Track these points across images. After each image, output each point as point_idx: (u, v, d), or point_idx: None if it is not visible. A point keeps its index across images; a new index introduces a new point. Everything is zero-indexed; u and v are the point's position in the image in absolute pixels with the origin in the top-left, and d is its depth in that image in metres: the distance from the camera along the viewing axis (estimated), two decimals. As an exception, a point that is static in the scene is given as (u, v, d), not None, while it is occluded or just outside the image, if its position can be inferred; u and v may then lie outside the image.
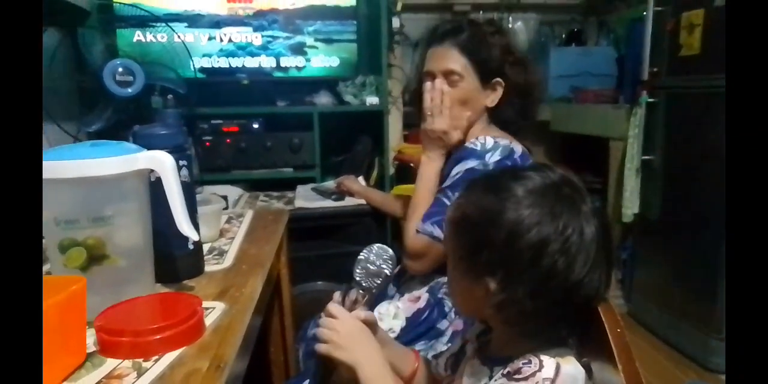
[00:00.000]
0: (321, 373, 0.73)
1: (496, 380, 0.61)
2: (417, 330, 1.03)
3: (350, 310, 0.71)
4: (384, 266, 0.72)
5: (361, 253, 0.73)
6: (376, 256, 0.72)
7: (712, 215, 1.71)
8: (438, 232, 1.01)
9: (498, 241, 0.58)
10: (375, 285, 0.72)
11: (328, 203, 1.67)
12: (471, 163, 1.02)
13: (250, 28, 1.98)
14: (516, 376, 0.60)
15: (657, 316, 2.00)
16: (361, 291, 0.72)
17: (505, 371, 0.61)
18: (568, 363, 0.60)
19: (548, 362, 0.59)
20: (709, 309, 1.73)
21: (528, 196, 0.59)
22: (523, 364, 0.60)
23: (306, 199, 1.70)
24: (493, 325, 0.67)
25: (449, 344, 0.96)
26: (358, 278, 0.72)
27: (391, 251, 0.73)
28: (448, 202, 1.03)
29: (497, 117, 1.12)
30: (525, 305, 0.58)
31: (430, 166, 1.09)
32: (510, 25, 2.83)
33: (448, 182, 1.05)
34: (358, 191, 1.66)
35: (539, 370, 0.59)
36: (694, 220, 1.83)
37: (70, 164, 0.63)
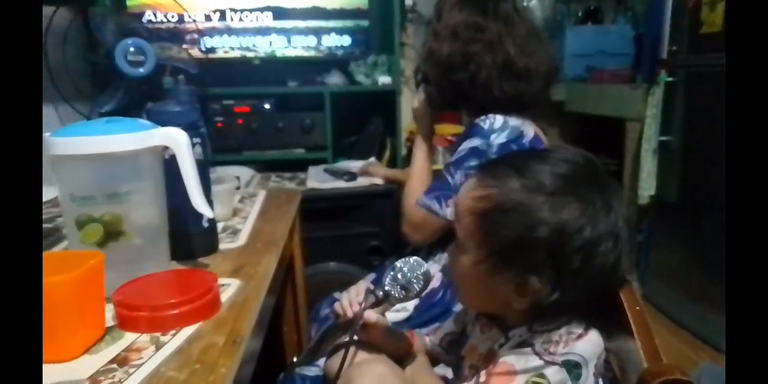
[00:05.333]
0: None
1: (520, 336, 0.60)
2: (431, 312, 1.03)
3: (367, 307, 0.71)
4: (414, 282, 0.72)
5: (398, 261, 0.73)
6: (410, 270, 0.72)
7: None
8: (436, 207, 1.03)
9: (543, 242, 0.55)
10: (399, 295, 0.72)
11: (340, 184, 1.67)
12: (476, 142, 1.02)
13: (260, 7, 1.96)
14: (540, 329, 0.59)
15: (672, 298, 1.99)
16: (381, 293, 0.72)
17: (528, 327, 0.60)
18: (595, 331, 0.59)
19: (577, 322, 0.59)
20: (724, 292, 1.71)
21: (561, 186, 0.56)
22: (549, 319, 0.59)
23: (318, 179, 1.70)
24: (509, 314, 0.64)
25: None
26: (385, 282, 0.72)
27: (425, 267, 0.72)
28: (450, 179, 1.03)
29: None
30: (567, 300, 0.57)
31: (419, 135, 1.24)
32: (525, 3, 2.77)
33: (453, 158, 1.05)
34: (385, 175, 1.67)
35: (568, 323, 0.58)
36: (712, 202, 1.79)
37: (85, 140, 0.63)
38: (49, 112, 1.45)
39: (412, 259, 0.73)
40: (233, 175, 1.52)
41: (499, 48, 1.04)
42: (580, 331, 0.58)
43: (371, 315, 0.71)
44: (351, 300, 0.74)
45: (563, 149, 0.62)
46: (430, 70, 1.11)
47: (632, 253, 2.20)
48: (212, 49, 1.92)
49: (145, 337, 0.56)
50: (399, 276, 0.72)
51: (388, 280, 0.72)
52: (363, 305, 0.71)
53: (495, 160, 0.66)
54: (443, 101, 1.14)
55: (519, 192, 0.57)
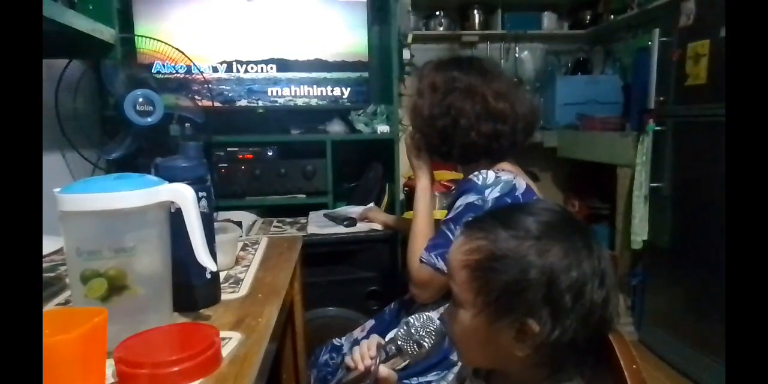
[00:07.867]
0: None
1: None
2: (428, 359, 1.03)
3: (380, 362, 0.72)
4: (426, 338, 0.72)
5: (411, 317, 0.74)
6: (422, 326, 0.73)
7: (722, 242, 1.70)
8: (441, 264, 1.03)
9: (536, 284, 0.58)
10: (411, 350, 0.72)
11: (340, 229, 1.69)
12: (471, 198, 1.05)
13: (265, 60, 2.05)
14: None
15: (668, 343, 1.97)
16: (394, 348, 0.72)
17: None
18: None
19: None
20: (721, 336, 1.71)
21: (545, 231, 0.60)
22: None
23: (318, 225, 1.72)
24: (510, 367, 0.65)
25: None
26: (398, 336, 0.73)
27: (437, 324, 0.73)
28: (451, 235, 1.05)
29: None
30: (566, 341, 0.58)
31: (419, 187, 1.23)
32: (517, 55, 2.89)
33: (451, 214, 1.08)
34: (384, 221, 1.69)
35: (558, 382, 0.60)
36: (704, 247, 1.81)
37: (95, 197, 0.64)
38: (57, 160, 1.49)
39: (425, 315, 0.74)
40: (235, 220, 1.55)
41: (477, 94, 1.11)
42: None
43: (383, 370, 0.72)
44: (363, 354, 0.75)
45: (540, 201, 0.65)
46: (416, 123, 1.19)
47: (627, 297, 2.22)
48: (219, 99, 1.99)
49: (146, 395, 0.55)
50: (412, 331, 0.72)
51: (401, 334, 0.72)
52: (375, 360, 0.71)
53: (480, 217, 0.69)
54: (430, 148, 1.20)
55: (508, 240, 0.60)
